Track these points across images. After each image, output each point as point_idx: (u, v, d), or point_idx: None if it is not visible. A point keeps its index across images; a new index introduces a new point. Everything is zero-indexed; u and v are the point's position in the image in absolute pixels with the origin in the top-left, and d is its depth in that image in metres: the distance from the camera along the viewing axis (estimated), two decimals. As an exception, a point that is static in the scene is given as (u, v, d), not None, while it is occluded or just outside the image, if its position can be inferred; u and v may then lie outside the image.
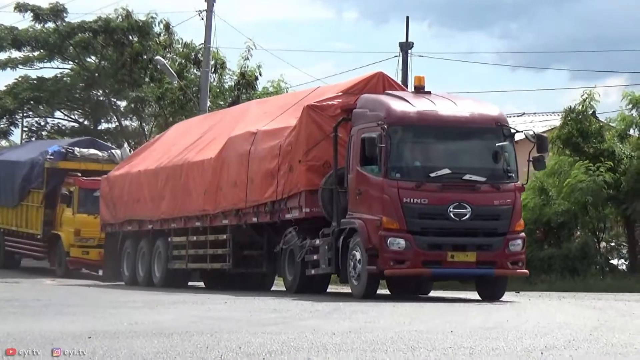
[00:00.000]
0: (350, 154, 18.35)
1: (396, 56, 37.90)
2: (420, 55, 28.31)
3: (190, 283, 25.84)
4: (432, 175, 17.55)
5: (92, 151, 32.45)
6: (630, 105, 29.74)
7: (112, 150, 33.26)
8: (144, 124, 47.09)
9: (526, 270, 18.71)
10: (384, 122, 17.43)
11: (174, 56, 42.77)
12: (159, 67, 39.09)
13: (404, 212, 17.27)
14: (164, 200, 24.78)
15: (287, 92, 40.76)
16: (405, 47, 38.21)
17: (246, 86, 41.18)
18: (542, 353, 9.62)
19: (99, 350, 9.64)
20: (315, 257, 19.16)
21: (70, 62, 47.27)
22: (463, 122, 18.26)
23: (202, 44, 37.89)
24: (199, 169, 23.62)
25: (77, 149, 32.36)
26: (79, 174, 31.00)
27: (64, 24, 44.20)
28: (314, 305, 16.61)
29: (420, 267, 17.44)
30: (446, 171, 17.58)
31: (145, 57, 42.59)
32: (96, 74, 45.95)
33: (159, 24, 43.06)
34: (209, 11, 35.73)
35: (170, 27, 42.67)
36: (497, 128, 18.05)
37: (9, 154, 37.60)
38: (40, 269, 34.19)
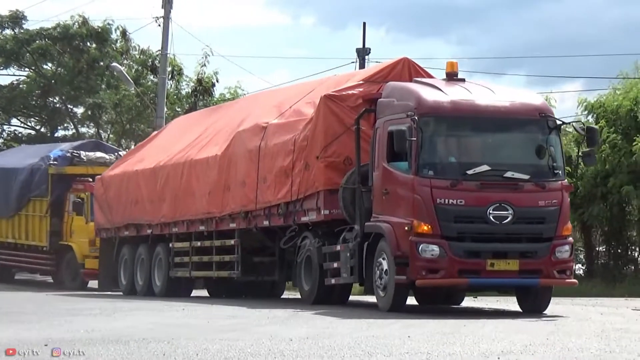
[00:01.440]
0: (375, 148, 16.53)
1: (353, 62, 37.73)
2: (377, 61, 28.10)
3: (194, 291, 24.12)
4: (470, 172, 15.54)
5: (99, 154, 30.39)
6: (585, 111, 29.70)
7: (119, 153, 31.31)
8: (101, 131, 47.07)
9: (575, 280, 16.65)
10: (414, 113, 15.51)
11: (131, 63, 43.41)
12: (115, 73, 39.06)
13: (437, 214, 15.31)
14: (165, 202, 22.82)
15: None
16: (362, 53, 38.11)
17: (203, 93, 41.59)
18: (498, 358, 9.66)
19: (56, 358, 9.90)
20: (335, 264, 17.36)
21: (27, 69, 46.97)
22: (503, 113, 16.18)
23: (159, 50, 37.58)
24: (202, 167, 21.61)
25: (83, 152, 30.25)
26: (90, 180, 28.51)
27: (22, 31, 44.36)
28: (272, 312, 16.47)
29: (456, 277, 15.44)
30: (485, 168, 15.61)
31: (102, 63, 43.09)
32: (53, 81, 45.65)
33: (115, 30, 43.70)
34: (166, 18, 35.44)
35: (127, 33, 43.26)
36: (541, 119, 16.07)
37: (5, 158, 35.43)
38: (34, 282, 32.64)
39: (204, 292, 24.65)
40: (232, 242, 20.54)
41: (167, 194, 22.65)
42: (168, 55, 36.60)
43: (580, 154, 17.56)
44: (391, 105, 16.46)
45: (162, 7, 35.29)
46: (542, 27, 76.91)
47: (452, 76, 16.93)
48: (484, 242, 15.57)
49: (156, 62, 40.00)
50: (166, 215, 22.58)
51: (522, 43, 75.59)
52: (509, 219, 15.41)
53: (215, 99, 41.50)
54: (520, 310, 16.82)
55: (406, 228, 15.45)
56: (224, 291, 23.07)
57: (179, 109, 41.61)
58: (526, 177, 15.74)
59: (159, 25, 35.67)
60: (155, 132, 28.08)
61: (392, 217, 15.91)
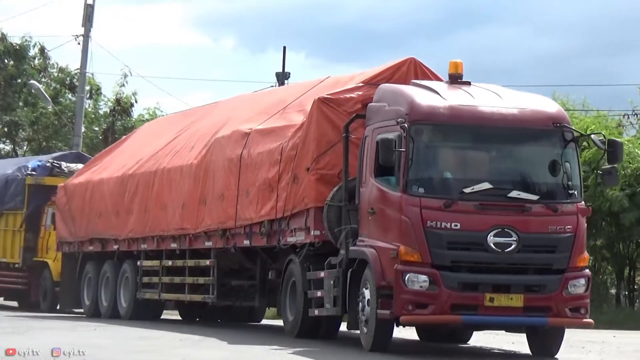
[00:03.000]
0: (363, 160, 14.46)
1: (272, 86, 37.10)
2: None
3: (165, 313, 22.69)
4: (467, 191, 13.34)
5: (81, 166, 28.09)
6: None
7: None
8: (17, 148, 47.16)
9: (591, 320, 14.03)
10: (405, 120, 13.41)
11: (49, 81, 44.20)
12: (33, 91, 39.47)
13: (427, 239, 13.13)
14: (132, 215, 20.93)
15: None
16: (282, 77, 38.86)
17: (121, 113, 43.18)
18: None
19: None
20: (319, 293, 15.34)
21: None
22: (510, 122, 13.92)
23: (77, 69, 38.10)
24: (176, 177, 19.54)
25: (64, 163, 28.72)
26: None
27: None
28: (184, 334, 16.60)
29: (448, 314, 13.22)
30: (486, 186, 13.40)
31: (19, 80, 43.62)
32: (7, 94, 44.92)
33: (34, 47, 44.58)
34: (86, 36, 36.03)
35: (45, 51, 44.46)
36: (555, 130, 13.84)
37: None
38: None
39: (175, 314, 23.36)
40: (208, 262, 18.45)
41: (136, 206, 20.80)
42: (87, 74, 37.40)
43: (599, 171, 14.47)
44: (382, 111, 14.36)
45: (82, 26, 35.91)
46: (459, 56, 77.19)
47: (455, 78, 14.74)
48: (483, 273, 13.39)
49: (75, 80, 41.32)
50: (134, 229, 20.79)
51: (439, 71, 75.47)
52: (513, 246, 13.26)
53: (133, 120, 43.06)
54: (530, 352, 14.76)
55: (392, 255, 13.37)
56: (198, 314, 21.73)
57: (96, 129, 43.09)
58: (535, 197, 13.53)
59: (79, 43, 36.39)
60: (125, 137, 26.47)
61: (378, 242, 13.82)
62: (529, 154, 14.24)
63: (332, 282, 14.89)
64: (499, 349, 16.27)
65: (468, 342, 16.75)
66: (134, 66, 55.83)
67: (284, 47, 41.16)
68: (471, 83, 14.80)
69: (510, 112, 13.92)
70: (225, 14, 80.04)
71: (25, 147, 47.30)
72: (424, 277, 13.05)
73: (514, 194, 13.40)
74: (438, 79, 15.90)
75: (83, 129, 37.63)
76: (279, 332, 17.42)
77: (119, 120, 43.16)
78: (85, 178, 23.71)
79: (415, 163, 13.31)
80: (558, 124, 13.81)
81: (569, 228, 13.50)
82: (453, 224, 13.15)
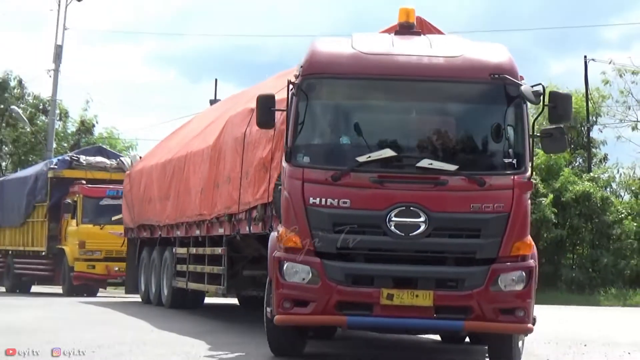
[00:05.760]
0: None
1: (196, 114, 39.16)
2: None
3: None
4: (362, 159, 10.05)
5: (99, 159, 29.16)
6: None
7: (121, 158, 29.63)
8: (1, 161, 52.47)
9: (530, 326, 10.15)
10: (299, 74, 10.41)
11: (26, 106, 49.67)
12: (13, 115, 45.03)
13: (309, 220, 9.97)
14: (169, 200, 19.43)
15: (119, 137, 51.21)
16: (214, 102, 38.88)
17: (85, 132, 50.10)
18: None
19: None
20: None
21: None
22: (429, 72, 10.43)
23: (49, 96, 43.44)
24: (198, 160, 17.88)
25: (82, 157, 29.22)
26: (84, 182, 27.52)
27: None
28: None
29: (332, 314, 9.94)
30: (387, 153, 10.09)
31: (2, 106, 49.17)
32: None
33: (13, 79, 50.79)
34: (56, 70, 41.39)
35: (23, 82, 50.73)
36: (491, 83, 10.26)
37: (18, 173, 35.37)
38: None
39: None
40: (220, 250, 16.50)
41: (172, 192, 19.34)
42: (57, 100, 42.72)
43: (536, 133, 10.51)
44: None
45: (53, 62, 41.42)
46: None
47: (406, 28, 11.41)
48: (380, 263, 10.02)
49: (47, 106, 46.54)
50: (170, 216, 19.37)
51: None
52: (421, 229, 9.88)
53: (95, 137, 49.37)
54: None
55: (276, 239, 10.52)
56: (256, 302, 17.49)
57: (65, 144, 48.24)
58: (453, 167, 10.06)
59: (50, 76, 41.90)
60: (186, 122, 24.20)
61: (280, 224, 10.79)
62: (451, 113, 10.86)
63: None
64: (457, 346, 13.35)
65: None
66: (94, 94, 63.52)
67: (216, 79, 48.64)
68: (421, 33, 11.69)
69: (432, 62, 10.52)
70: (167, 53, 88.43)
71: (7, 161, 52.65)
72: (303, 268, 9.98)
73: (424, 163, 10.02)
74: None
75: (54, 145, 42.57)
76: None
77: (84, 138, 49.17)
78: (141, 165, 22.89)
79: (304, 126, 10.30)
80: (497, 75, 10.23)
81: (500, 206, 9.98)
82: (341, 201, 9.97)
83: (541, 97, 10.25)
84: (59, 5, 41.44)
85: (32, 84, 57.01)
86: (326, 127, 10.73)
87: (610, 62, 39.66)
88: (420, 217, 9.92)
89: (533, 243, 10.56)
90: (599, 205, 33.54)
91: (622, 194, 37.69)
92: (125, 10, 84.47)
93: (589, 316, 22.25)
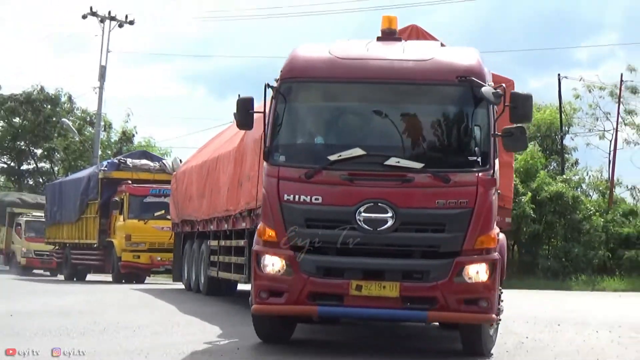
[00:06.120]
0: None
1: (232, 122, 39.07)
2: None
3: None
4: (333, 158, 9.47)
5: (144, 161, 29.11)
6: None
7: (163, 161, 30.01)
8: (54, 166, 55.27)
9: (492, 315, 9.51)
10: (278, 78, 9.86)
11: (75, 119, 51.83)
12: (64, 126, 46.93)
13: (284, 216, 9.47)
14: (204, 198, 19.22)
15: (155, 145, 51.58)
16: None
17: (126, 141, 51.34)
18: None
19: (13, 325, 11.62)
20: None
21: (1, 122, 54.37)
22: (400, 75, 9.76)
23: (95, 110, 44.93)
24: (226, 161, 17.70)
25: (129, 159, 29.16)
26: (129, 182, 27.42)
27: None
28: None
29: (305, 304, 9.45)
30: (357, 152, 9.50)
31: (54, 119, 51.42)
32: (19, 130, 53.59)
33: (64, 95, 53.53)
34: (101, 87, 42.62)
35: (72, 98, 53.43)
36: (457, 85, 9.58)
37: (73, 175, 35.39)
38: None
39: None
40: (242, 242, 16.26)
41: (207, 190, 19.14)
42: (102, 114, 43.97)
43: (499, 132, 9.66)
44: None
45: (98, 80, 42.82)
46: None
47: (388, 34, 10.70)
48: (349, 257, 9.44)
49: (93, 118, 48.01)
50: (205, 211, 19.13)
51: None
52: (388, 224, 9.31)
53: (134, 146, 49.80)
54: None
55: (257, 234, 9.94)
56: None
57: (109, 152, 49.28)
58: (419, 165, 9.43)
59: (95, 92, 43.36)
60: (221, 131, 23.20)
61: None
62: (419, 114, 10.01)
63: None
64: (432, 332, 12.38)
65: None
66: (134, 108, 65.79)
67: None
68: (402, 39, 10.97)
69: (402, 65, 9.87)
70: (197, 72, 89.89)
71: (59, 166, 54.23)
72: (277, 260, 9.50)
73: (392, 161, 9.44)
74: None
75: (100, 153, 43.51)
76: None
77: (125, 146, 49.65)
78: (184, 167, 22.60)
79: (281, 127, 9.79)
80: (464, 77, 9.56)
81: (464, 202, 9.35)
82: (313, 198, 9.45)
83: (501, 98, 9.48)
84: (103, 31, 43.00)
85: (80, 100, 60.53)
86: (301, 128, 10.12)
87: (580, 80, 40.18)
88: (387, 212, 9.33)
89: (499, 236, 9.80)
90: (570, 203, 33.75)
91: (591, 193, 37.93)
92: (160, 35, 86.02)
93: (562, 300, 22.21)
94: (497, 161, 9.81)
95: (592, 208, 34.69)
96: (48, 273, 34.94)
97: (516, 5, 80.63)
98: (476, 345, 9.99)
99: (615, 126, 38.36)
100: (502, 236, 9.96)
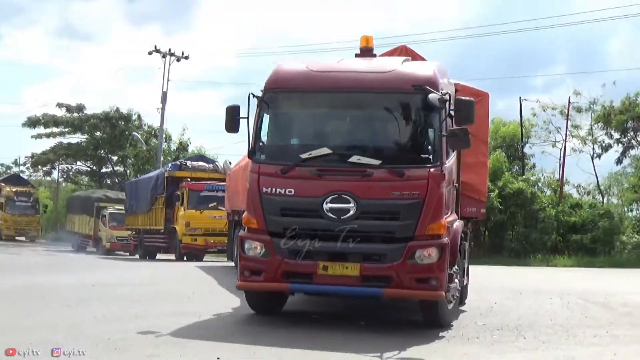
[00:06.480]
0: None
1: None
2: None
3: None
4: (304, 156, 8.90)
5: (200, 163, 29.11)
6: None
7: (216, 163, 29.84)
8: (126, 169, 55.89)
9: (441, 292, 8.70)
10: (263, 89, 9.26)
11: (143, 132, 52.90)
12: (135, 138, 49.08)
13: (262, 206, 8.91)
14: (242, 192, 17.77)
15: (205, 153, 49.01)
16: None
17: (182, 150, 52.55)
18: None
19: (93, 293, 11.63)
20: None
21: (86, 135, 55.15)
22: (361, 86, 9.13)
23: (158, 126, 46.20)
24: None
25: (189, 162, 29.14)
26: (189, 179, 27.39)
27: (82, 114, 53.79)
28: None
29: (280, 281, 8.87)
30: (324, 151, 8.94)
31: (127, 133, 52.61)
32: (100, 141, 54.65)
33: (134, 114, 54.31)
34: (162, 108, 44.07)
35: (141, 116, 54.38)
36: (412, 93, 8.86)
37: (145, 175, 35.36)
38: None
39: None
40: None
41: (245, 185, 16.81)
42: (163, 129, 45.55)
43: (444, 133, 8.89)
44: None
45: (160, 102, 44.06)
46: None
47: (365, 51, 10.09)
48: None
49: (156, 132, 48.80)
50: (241, 205, 17.74)
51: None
52: (350, 213, 8.69)
53: (188, 154, 50.04)
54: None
55: (243, 222, 9.43)
56: None
57: (169, 158, 48.95)
58: (376, 162, 8.82)
59: (158, 112, 44.58)
60: None
61: None
62: (379, 118, 9.32)
63: None
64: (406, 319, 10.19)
65: (465, 303, 11.58)
66: (188, 123, 68.66)
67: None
68: (376, 55, 10.31)
69: (365, 77, 9.24)
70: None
71: (131, 169, 54.80)
72: (258, 245, 8.94)
73: (354, 158, 8.86)
74: None
75: (161, 159, 44.35)
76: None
77: (181, 154, 50.29)
78: (235, 168, 21.99)
79: (263, 130, 9.26)
80: (419, 86, 8.85)
81: (416, 194, 8.65)
82: (287, 190, 8.85)
83: (446, 103, 8.78)
84: (164, 65, 43.92)
85: (146, 117, 60.92)
86: (279, 130, 9.41)
87: (537, 101, 39.86)
88: (350, 203, 8.67)
89: (455, 224, 9.07)
90: (529, 197, 33.58)
91: (545, 190, 37.55)
92: (209, 67, 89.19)
93: (523, 274, 22.11)
94: (451, 159, 9.13)
95: (546, 201, 34.52)
96: (127, 254, 34.95)
97: (487, 44, 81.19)
98: (434, 318, 9.16)
99: (564, 137, 38.34)
100: (458, 223, 9.31)
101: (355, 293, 8.89)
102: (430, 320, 9.15)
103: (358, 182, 8.66)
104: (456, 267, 8.98)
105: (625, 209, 37.73)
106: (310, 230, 8.62)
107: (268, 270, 8.75)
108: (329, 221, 8.61)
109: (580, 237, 32.48)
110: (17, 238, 45.55)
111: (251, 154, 9.01)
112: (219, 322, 9.17)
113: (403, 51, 11.78)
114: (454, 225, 9.12)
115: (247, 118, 9.04)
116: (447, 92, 8.84)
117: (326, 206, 8.64)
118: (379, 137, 9.14)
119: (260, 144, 9.02)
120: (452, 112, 8.91)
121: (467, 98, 8.91)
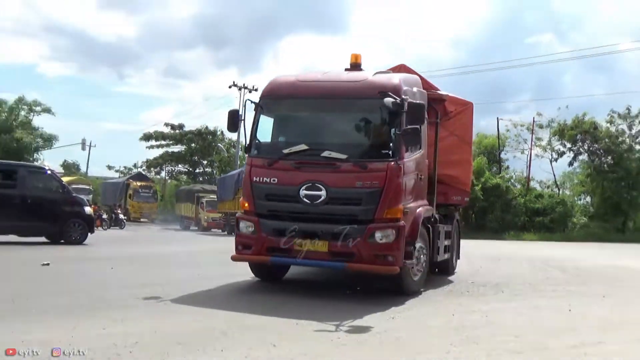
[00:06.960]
0: None
1: None
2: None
3: None
4: (286, 151, 8.08)
5: None
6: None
7: None
8: (213, 170, 54.14)
9: (396, 267, 7.65)
10: (259, 97, 8.53)
11: (225, 144, 51.88)
12: (219, 148, 48.99)
13: (253, 192, 8.10)
14: None
15: None
16: None
17: None
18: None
19: (139, 257, 10.50)
20: None
21: (184, 146, 54.02)
22: (337, 93, 8.20)
23: (236, 139, 45.14)
24: None
25: None
26: None
27: (182, 131, 53.57)
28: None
29: (264, 255, 8.02)
30: (302, 147, 8.02)
31: (214, 144, 52.13)
32: (194, 150, 52.42)
33: (219, 131, 52.81)
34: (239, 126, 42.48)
35: (224, 132, 52.30)
36: (377, 99, 7.86)
37: (229, 173, 35.39)
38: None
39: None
40: None
41: None
42: (239, 141, 43.12)
43: (398, 131, 7.66)
44: None
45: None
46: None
47: (354, 67, 8.99)
48: (294, 222, 7.91)
49: (235, 143, 47.58)
50: None
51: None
52: (321, 199, 7.80)
53: None
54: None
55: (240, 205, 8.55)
56: None
57: (244, 162, 49.12)
58: (344, 156, 7.84)
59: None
60: None
61: None
62: (349, 120, 8.29)
63: None
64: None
65: (454, 273, 10.61)
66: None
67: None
68: (362, 70, 8.92)
69: (339, 86, 8.27)
70: None
71: (217, 170, 55.57)
72: (248, 224, 8.11)
73: (325, 153, 7.89)
74: (428, 82, 9.71)
75: (238, 163, 44.26)
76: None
77: None
78: None
79: (257, 130, 8.41)
80: (383, 92, 7.88)
81: (375, 183, 7.71)
82: (272, 179, 8.02)
83: (402, 107, 7.77)
84: (240, 95, 43.62)
85: (227, 133, 60.21)
86: (270, 130, 8.55)
87: (509, 120, 40.49)
88: (321, 190, 7.76)
89: (418, 210, 8.14)
90: (504, 190, 33.42)
91: (516, 184, 37.18)
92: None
93: (501, 246, 21.95)
94: (415, 154, 8.14)
95: (517, 193, 34.38)
96: (219, 230, 34.72)
97: (472, 78, 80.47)
98: (400, 287, 8.11)
99: (530, 147, 38.00)
100: (422, 209, 8.27)
101: (323, 265, 7.90)
102: (398, 289, 8.10)
103: (328, 173, 7.75)
104: (420, 244, 8.07)
105: (575, 199, 37.55)
106: (289, 213, 7.80)
107: (255, 245, 7.95)
108: (304, 205, 7.74)
109: (542, 219, 32.37)
110: (141, 220, 46.63)
111: (247, 149, 8.20)
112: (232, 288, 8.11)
113: (402, 69, 10.31)
114: (417, 211, 8.08)
115: (244, 120, 8.56)
116: (406, 98, 7.79)
117: (302, 193, 7.78)
118: (348, 135, 8.14)
119: (256, 141, 8.23)
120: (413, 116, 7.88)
121: (418, 102, 7.93)
